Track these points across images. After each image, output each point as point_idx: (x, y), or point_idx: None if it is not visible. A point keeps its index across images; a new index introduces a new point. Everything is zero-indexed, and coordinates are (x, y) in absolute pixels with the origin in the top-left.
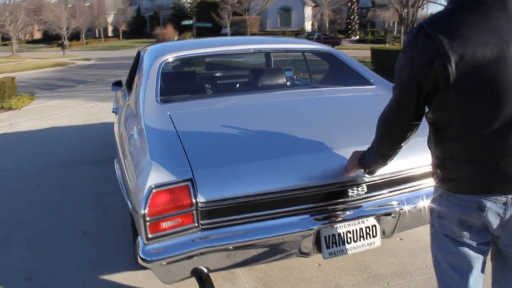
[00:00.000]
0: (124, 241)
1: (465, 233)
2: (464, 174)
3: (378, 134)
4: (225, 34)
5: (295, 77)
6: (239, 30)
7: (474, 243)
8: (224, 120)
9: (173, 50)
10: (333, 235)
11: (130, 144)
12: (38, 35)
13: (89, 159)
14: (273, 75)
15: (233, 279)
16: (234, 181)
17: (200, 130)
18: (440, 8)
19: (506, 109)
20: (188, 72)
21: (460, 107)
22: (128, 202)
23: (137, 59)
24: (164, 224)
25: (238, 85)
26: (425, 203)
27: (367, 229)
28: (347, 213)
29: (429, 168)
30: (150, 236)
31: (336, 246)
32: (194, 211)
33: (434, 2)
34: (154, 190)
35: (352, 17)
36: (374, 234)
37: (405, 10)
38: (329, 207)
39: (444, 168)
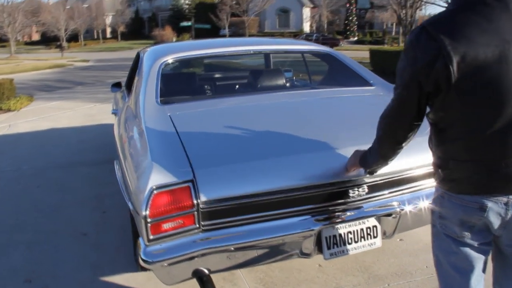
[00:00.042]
0: (124, 243)
1: (467, 233)
2: (465, 174)
3: (379, 134)
4: (224, 36)
5: (294, 78)
6: (237, 31)
7: (475, 243)
8: (224, 121)
9: (173, 51)
10: (334, 236)
11: (130, 145)
12: (36, 37)
13: (88, 161)
14: (272, 76)
15: (233, 280)
16: (235, 181)
17: (201, 131)
18: (439, 9)
19: (507, 109)
20: (187, 73)
21: (462, 108)
22: (129, 204)
23: (137, 60)
24: (165, 225)
25: (238, 86)
26: (425, 204)
27: (368, 230)
28: (348, 213)
29: (430, 169)
30: (151, 237)
31: (337, 246)
32: (195, 212)
33: (433, 3)
34: (155, 192)
35: (350, 18)
36: (375, 235)
37: (404, 11)
38: (330, 208)
39: (445, 168)
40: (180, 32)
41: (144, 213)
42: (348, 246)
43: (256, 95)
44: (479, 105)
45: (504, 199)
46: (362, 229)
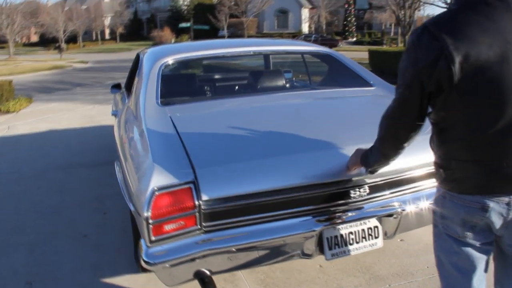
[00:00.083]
0: (124, 244)
1: (468, 233)
2: (467, 175)
3: (380, 134)
4: (222, 37)
5: (294, 79)
6: (236, 32)
7: (477, 243)
8: (225, 121)
9: (173, 52)
10: (336, 236)
11: (131, 146)
12: (35, 38)
13: (88, 162)
14: (272, 77)
15: (234, 281)
16: (236, 181)
17: (202, 132)
18: (437, 9)
19: (509, 109)
20: (188, 75)
21: (464, 108)
22: (130, 205)
23: (136, 61)
24: (167, 227)
25: (238, 87)
26: (426, 204)
27: (369, 230)
28: (349, 214)
29: (430, 169)
30: (153, 238)
31: (339, 247)
32: (197, 213)
33: (431, 4)
34: (156, 193)
35: (349, 19)
36: (376, 235)
37: (402, 12)
38: (331, 209)
39: (447, 168)
40: (179, 33)
41: (145, 214)
42: (350, 247)
43: (256, 96)
44: (481, 105)
45: (506, 199)
46: (363, 230)
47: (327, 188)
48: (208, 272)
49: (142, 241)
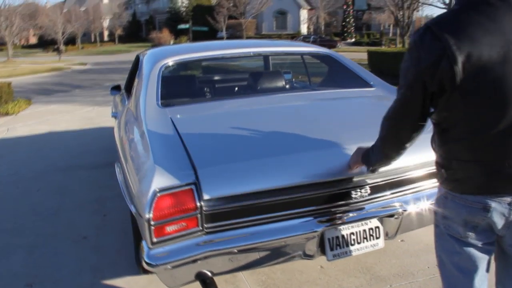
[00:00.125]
0: (125, 245)
1: (470, 233)
2: (469, 175)
3: (382, 134)
4: (221, 38)
5: (293, 80)
6: (235, 33)
7: (479, 243)
8: (226, 122)
9: (173, 54)
10: (337, 237)
11: (132, 148)
12: (33, 40)
13: (88, 164)
14: (272, 78)
15: (235, 283)
16: (238, 180)
17: (202, 133)
18: (436, 10)
19: (511, 110)
20: (188, 76)
21: (466, 108)
22: (132, 207)
23: (136, 63)
24: (169, 228)
25: (238, 88)
26: (427, 204)
27: (371, 231)
28: (351, 215)
29: (431, 169)
30: (155, 240)
31: (340, 248)
32: (199, 215)
33: (430, 4)
34: (158, 194)
35: (347, 19)
36: (378, 236)
37: (401, 13)
38: (333, 209)
39: (448, 168)
40: (177, 34)
41: (147, 216)
42: (351, 247)
43: (256, 97)
44: (483, 105)
45: (508, 199)
46: (364, 230)
47: (329, 188)
48: (209, 274)
49: (143, 243)
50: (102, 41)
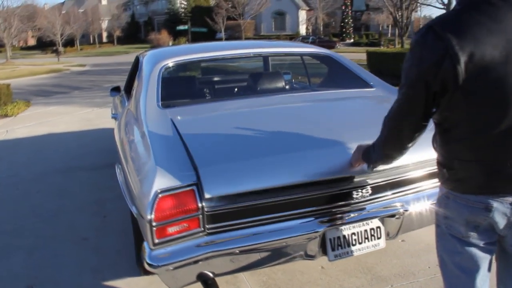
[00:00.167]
0: (125, 246)
1: (472, 233)
2: (470, 175)
3: (384, 134)
4: (220, 39)
5: (293, 80)
6: (233, 34)
7: (481, 243)
8: (226, 123)
9: (173, 55)
10: (338, 237)
11: (132, 149)
12: (32, 42)
13: (87, 165)
14: (272, 78)
15: (236, 283)
16: (239, 179)
17: (203, 134)
18: (434, 10)
19: None
20: (188, 77)
21: (468, 108)
22: (133, 208)
23: (136, 64)
24: (171, 229)
25: (238, 89)
26: (428, 204)
27: (372, 231)
28: (352, 215)
29: (432, 169)
30: (156, 241)
31: (342, 248)
32: (200, 216)
33: (428, 5)
34: (160, 195)
35: (346, 20)
36: (379, 236)
37: (399, 13)
38: (334, 210)
39: (450, 168)
40: (176, 36)
41: (149, 217)
42: (353, 248)
43: (256, 98)
44: (485, 105)
45: (510, 199)
46: (366, 230)
47: (330, 188)
48: (211, 274)
49: (145, 244)
50: (100, 42)
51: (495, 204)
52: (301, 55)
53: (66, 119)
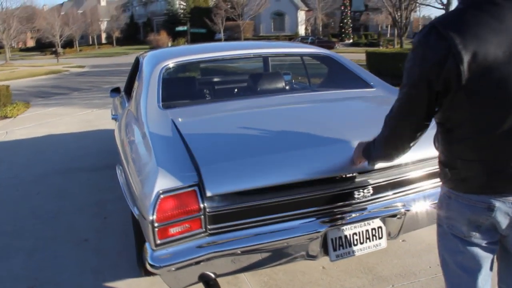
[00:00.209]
0: (126, 247)
1: (474, 233)
2: (473, 174)
3: (385, 134)
4: (219, 40)
5: (293, 81)
6: (232, 35)
7: (483, 243)
8: (227, 124)
9: (173, 55)
10: (340, 237)
11: (134, 150)
12: (31, 43)
13: (87, 167)
14: (272, 79)
15: (238, 284)
16: (241, 176)
17: (204, 134)
18: (433, 10)
19: None
20: (188, 78)
21: (471, 108)
22: (134, 209)
23: (136, 65)
24: (172, 230)
25: (238, 90)
26: (430, 204)
27: (373, 231)
28: (353, 215)
29: (432, 169)
30: (158, 242)
31: (343, 248)
32: (202, 216)
33: (427, 5)
34: (161, 196)
35: (345, 20)
36: (380, 236)
37: (398, 13)
38: (335, 210)
39: (452, 168)
40: (175, 36)
41: (151, 217)
42: (354, 248)
43: (257, 98)
44: (488, 105)
45: None
46: (367, 230)
47: (331, 187)
48: (213, 275)
49: (147, 245)
50: (99, 43)
51: (498, 204)
52: (301, 55)
53: (65, 121)
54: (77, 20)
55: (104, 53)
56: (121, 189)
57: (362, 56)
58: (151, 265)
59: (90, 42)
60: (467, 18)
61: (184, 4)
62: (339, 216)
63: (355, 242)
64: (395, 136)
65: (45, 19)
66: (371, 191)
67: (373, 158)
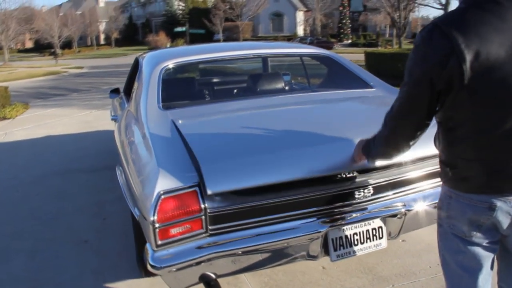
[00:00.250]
0: (126, 248)
1: (475, 232)
2: (474, 174)
3: (385, 133)
4: (218, 40)
5: (292, 81)
6: (231, 36)
7: (483, 242)
8: (227, 124)
9: (173, 56)
10: (340, 238)
11: (134, 151)
12: (30, 44)
13: (86, 168)
14: (271, 79)
15: (238, 284)
16: (241, 175)
17: (204, 135)
18: (432, 10)
19: None
20: (188, 78)
21: (473, 107)
22: (135, 209)
23: (135, 66)
24: (173, 230)
25: (238, 90)
26: (430, 204)
27: (374, 231)
28: (354, 215)
29: (433, 168)
30: (159, 242)
31: (344, 248)
32: (203, 217)
33: (426, 5)
34: (162, 197)
35: (344, 21)
36: (381, 236)
37: (397, 14)
38: (336, 210)
39: (453, 167)
40: (174, 37)
41: (152, 218)
42: (355, 248)
43: (256, 99)
44: (489, 105)
45: None
46: (368, 230)
47: (332, 188)
48: (213, 276)
49: (148, 246)
50: (98, 44)
51: (499, 204)
52: (301, 56)
53: (64, 122)
54: (75, 21)
55: (103, 54)
56: (121, 190)
57: (361, 57)
58: (152, 266)
59: (89, 43)
60: (469, 17)
61: (183, 4)
62: (339, 216)
63: (356, 242)
64: (395, 135)
65: (43, 20)
66: (372, 191)
67: (373, 156)
